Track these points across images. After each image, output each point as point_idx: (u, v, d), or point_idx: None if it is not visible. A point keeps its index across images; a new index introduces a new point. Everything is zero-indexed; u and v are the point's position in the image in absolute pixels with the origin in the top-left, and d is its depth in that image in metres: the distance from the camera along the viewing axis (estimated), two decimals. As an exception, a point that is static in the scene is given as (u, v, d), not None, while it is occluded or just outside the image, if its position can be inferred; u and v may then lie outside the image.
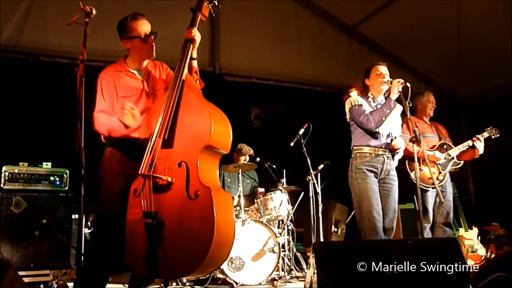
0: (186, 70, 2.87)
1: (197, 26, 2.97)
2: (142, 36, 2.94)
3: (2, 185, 3.87)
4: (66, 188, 4.09)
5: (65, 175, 4.09)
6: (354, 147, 3.81)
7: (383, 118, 3.67)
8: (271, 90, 6.02)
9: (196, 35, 2.93)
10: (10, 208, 3.86)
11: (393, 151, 3.78)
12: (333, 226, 5.49)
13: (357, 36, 6.42)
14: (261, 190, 4.94)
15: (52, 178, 4.04)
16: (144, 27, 2.96)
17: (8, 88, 4.78)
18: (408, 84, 3.63)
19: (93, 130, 2.91)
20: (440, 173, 4.30)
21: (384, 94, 3.79)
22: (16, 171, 3.94)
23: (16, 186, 3.92)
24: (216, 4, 3.06)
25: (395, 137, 3.80)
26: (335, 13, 6.25)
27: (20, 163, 4.01)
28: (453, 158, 4.34)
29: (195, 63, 2.98)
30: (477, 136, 4.31)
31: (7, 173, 3.89)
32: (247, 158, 5.26)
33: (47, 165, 4.07)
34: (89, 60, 4.69)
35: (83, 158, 2.50)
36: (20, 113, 4.83)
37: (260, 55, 5.89)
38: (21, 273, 3.43)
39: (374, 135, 3.74)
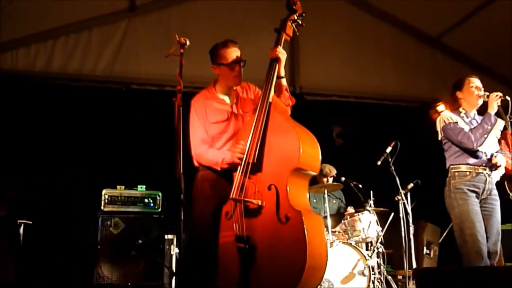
0: (272, 92, 2.87)
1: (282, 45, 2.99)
2: (230, 64, 2.99)
3: (102, 207, 4.13)
4: (159, 210, 4.27)
5: (158, 198, 4.28)
6: (451, 166, 3.59)
7: (485, 135, 3.44)
8: (352, 107, 5.92)
9: (281, 53, 2.93)
10: (110, 229, 4.11)
11: (492, 168, 3.54)
12: (425, 248, 5.24)
13: (441, 47, 6.16)
14: (351, 210, 4.83)
15: (146, 200, 4.25)
16: (233, 54, 3.01)
17: (104, 116, 5.12)
18: (508, 98, 3.40)
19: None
20: (546, 191, 3.95)
21: (477, 110, 3.57)
22: (115, 194, 4.19)
23: (114, 208, 4.17)
24: (300, 23, 3.06)
25: (495, 154, 3.55)
26: (416, 25, 6.05)
27: (118, 186, 4.27)
28: (561, 175, 3.98)
29: (284, 81, 2.98)
30: None
31: (107, 196, 4.15)
32: (330, 180, 5.19)
33: (141, 188, 4.29)
34: (170, 85, 4.99)
35: (182, 185, 2.59)
36: (115, 139, 5.13)
37: (339, 72, 5.83)
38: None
39: (472, 153, 3.51)
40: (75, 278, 4.33)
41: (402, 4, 5.70)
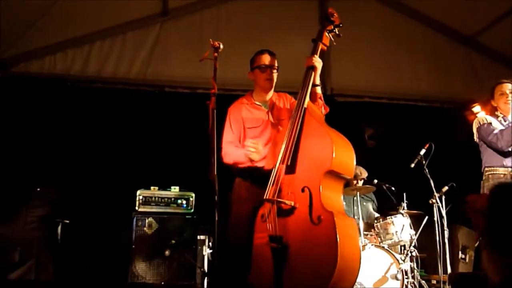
0: (308, 98, 2.95)
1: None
2: (260, 66, 3.14)
3: (137, 208, 4.21)
4: (192, 210, 4.33)
5: (191, 199, 4.34)
6: (486, 168, 3.55)
7: None
8: (384, 109, 5.84)
9: (317, 61, 3.00)
10: (144, 229, 4.18)
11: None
12: (460, 252, 5.12)
13: (475, 46, 6.01)
14: (376, 215, 4.78)
15: (179, 201, 4.31)
16: (265, 59, 3.16)
17: (139, 118, 5.23)
18: (541, 98, 3.31)
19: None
20: None
21: None
22: (149, 194, 4.27)
23: (148, 209, 4.24)
24: (337, 33, 3.13)
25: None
26: (449, 24, 5.92)
27: (152, 187, 4.34)
28: None
29: (318, 89, 3.06)
30: None
31: (141, 197, 4.23)
32: (362, 181, 5.13)
33: (175, 189, 4.35)
34: (202, 88, 5.05)
35: (217, 186, 2.63)
36: (149, 141, 5.23)
37: (371, 73, 5.77)
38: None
39: (507, 155, 3.46)
40: (110, 277, 4.43)
41: (435, 3, 5.59)
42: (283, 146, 2.84)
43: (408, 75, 5.87)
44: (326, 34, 3.10)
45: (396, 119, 5.92)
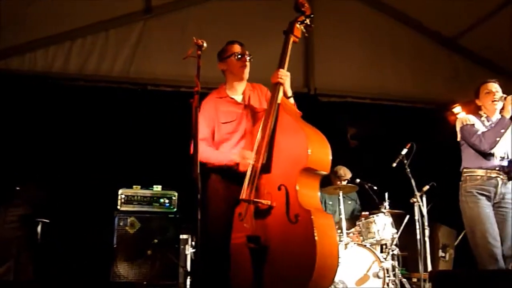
0: (281, 94, 2.89)
1: (291, 47, 2.98)
2: (235, 53, 3.07)
3: (119, 207, 4.18)
4: (175, 209, 4.31)
5: (173, 197, 4.32)
6: (464, 169, 3.60)
7: (497, 139, 3.43)
8: (368, 109, 5.89)
9: (283, 76, 2.91)
10: (126, 228, 4.15)
11: (509, 173, 3.51)
12: (440, 250, 5.20)
13: (457, 48, 6.10)
14: (365, 214, 4.82)
15: (162, 200, 4.29)
16: (238, 48, 3.11)
17: (121, 116, 5.17)
18: (527, 100, 3.37)
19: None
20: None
21: (500, 112, 3.54)
22: (131, 193, 4.23)
23: (130, 208, 4.21)
24: (309, 23, 3.06)
25: (515, 159, 3.52)
26: (432, 26, 5.99)
27: (134, 186, 4.31)
28: None
29: (291, 100, 2.99)
30: None
31: (123, 196, 4.20)
32: (345, 181, 5.17)
33: (157, 188, 4.32)
34: (185, 86, 5.02)
35: (199, 184, 2.62)
36: (132, 139, 5.18)
37: (355, 73, 5.80)
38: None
39: (487, 156, 3.51)
40: (92, 276, 4.39)
41: (418, 5, 5.65)
42: (257, 144, 2.78)
43: (391, 75, 5.92)
44: (297, 25, 3.01)
45: (378, 119, 5.98)
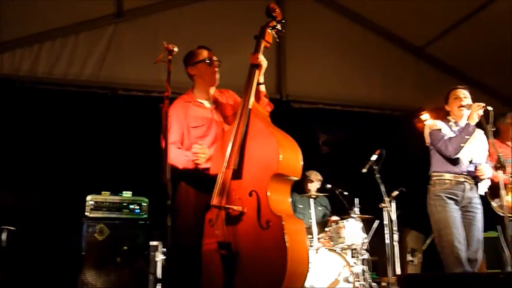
0: (252, 98, 2.89)
1: (263, 52, 2.99)
2: (207, 60, 3.07)
3: (87, 214, 4.09)
4: (145, 216, 4.25)
5: (144, 204, 4.26)
6: (433, 173, 3.68)
7: (462, 145, 3.53)
8: (338, 115, 5.98)
9: (262, 60, 2.95)
10: (94, 235, 4.07)
11: (476, 178, 3.61)
12: (409, 255, 5.30)
13: (425, 57, 6.26)
14: (335, 218, 4.87)
15: (132, 207, 4.23)
16: (208, 54, 3.11)
17: (90, 121, 5.08)
18: (490, 108, 3.47)
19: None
20: (525, 200, 4.02)
21: (468, 118, 3.65)
22: (100, 200, 4.15)
23: (99, 214, 4.13)
24: (280, 29, 3.06)
25: (480, 164, 3.62)
26: (400, 34, 6.15)
27: (103, 192, 4.23)
28: (540, 184, 4.07)
29: (263, 88, 3.00)
30: None
31: (92, 202, 4.12)
32: (317, 185, 5.22)
33: (127, 194, 4.26)
34: (156, 91, 4.98)
35: (169, 190, 2.60)
36: (101, 145, 5.10)
37: (326, 80, 5.89)
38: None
39: (454, 161, 3.60)
40: (59, 285, 4.28)
41: (388, 15, 5.78)
42: (229, 150, 2.77)
43: (361, 83, 6.04)
44: (269, 30, 3.01)
45: (349, 126, 6.07)
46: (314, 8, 5.80)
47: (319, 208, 5.36)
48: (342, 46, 5.94)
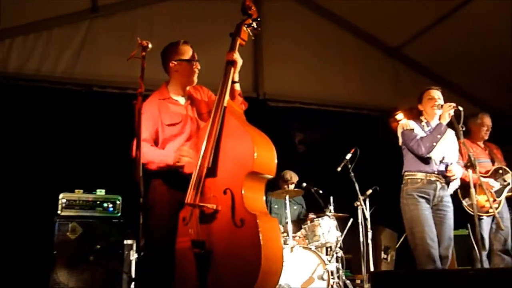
0: (227, 96, 2.87)
1: (239, 51, 2.97)
2: (191, 59, 3.01)
3: (59, 212, 4.02)
4: (119, 214, 4.20)
5: (117, 202, 4.21)
6: (406, 173, 3.75)
7: (434, 144, 3.60)
8: (315, 115, 6.01)
9: (238, 58, 2.93)
10: (67, 233, 4.01)
11: (447, 178, 3.69)
12: (382, 252, 5.37)
13: (401, 57, 6.35)
14: (312, 215, 4.89)
15: (105, 205, 4.18)
16: (191, 52, 3.04)
17: (63, 118, 4.99)
18: (461, 108, 3.55)
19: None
20: (494, 200, 4.12)
21: (439, 118, 3.71)
22: (72, 198, 4.09)
23: (72, 213, 4.07)
24: (255, 27, 3.04)
25: (451, 164, 3.70)
26: (377, 35, 6.22)
27: (76, 190, 4.17)
28: (509, 183, 4.18)
29: (237, 86, 2.98)
30: None
31: (64, 200, 4.05)
32: (292, 185, 5.24)
33: (101, 192, 4.20)
34: (131, 88, 4.92)
35: (142, 187, 2.56)
36: (74, 142, 5.01)
37: (303, 79, 5.91)
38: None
39: (426, 160, 3.67)
40: (30, 284, 4.20)
41: (363, 14, 5.83)
42: (203, 148, 2.75)
43: (338, 82, 6.08)
44: (244, 28, 3.00)
45: (325, 125, 6.12)
46: (291, 7, 5.81)
47: (295, 207, 5.39)
48: (319, 45, 5.98)
